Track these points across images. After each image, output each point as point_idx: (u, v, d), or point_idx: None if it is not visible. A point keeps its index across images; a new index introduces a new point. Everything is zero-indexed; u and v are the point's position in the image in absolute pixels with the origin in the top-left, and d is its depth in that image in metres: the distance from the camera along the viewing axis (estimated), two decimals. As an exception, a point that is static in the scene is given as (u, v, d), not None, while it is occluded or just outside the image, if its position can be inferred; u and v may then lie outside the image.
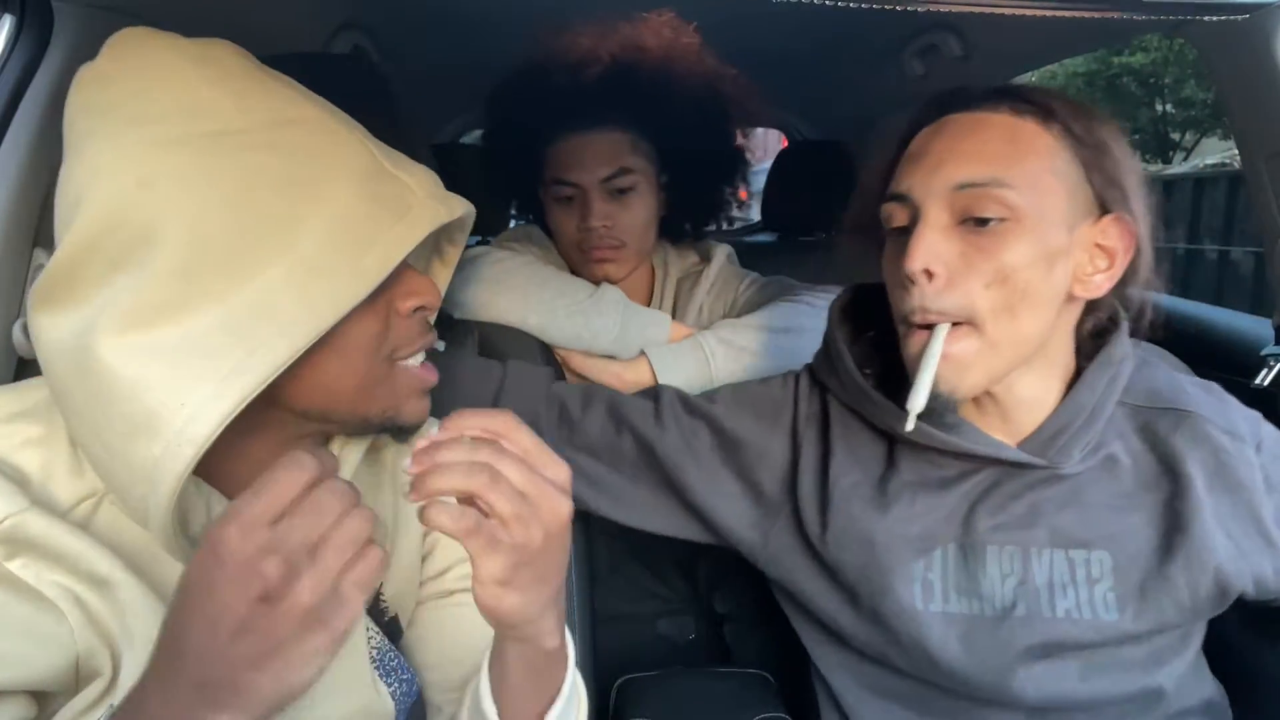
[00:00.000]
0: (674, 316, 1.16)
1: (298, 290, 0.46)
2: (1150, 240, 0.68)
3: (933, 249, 0.64)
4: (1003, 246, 0.63)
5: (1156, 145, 12.46)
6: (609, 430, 0.81)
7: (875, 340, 0.78)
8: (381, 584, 0.65)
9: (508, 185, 1.23)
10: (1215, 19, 0.81)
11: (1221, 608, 0.71)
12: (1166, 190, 7.98)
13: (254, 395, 0.45)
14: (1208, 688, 0.77)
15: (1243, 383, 1.00)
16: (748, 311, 1.10)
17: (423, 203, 0.53)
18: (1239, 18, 0.81)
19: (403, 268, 0.56)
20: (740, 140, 1.22)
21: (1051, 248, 0.64)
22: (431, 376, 0.61)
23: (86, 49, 0.79)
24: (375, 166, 0.53)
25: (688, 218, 1.21)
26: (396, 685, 0.62)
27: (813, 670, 0.83)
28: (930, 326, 0.65)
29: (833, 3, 0.74)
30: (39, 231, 0.76)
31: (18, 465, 0.50)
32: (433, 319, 0.61)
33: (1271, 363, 0.98)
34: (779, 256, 1.65)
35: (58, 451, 0.51)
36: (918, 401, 0.65)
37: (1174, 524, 0.69)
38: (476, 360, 0.87)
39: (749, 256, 1.29)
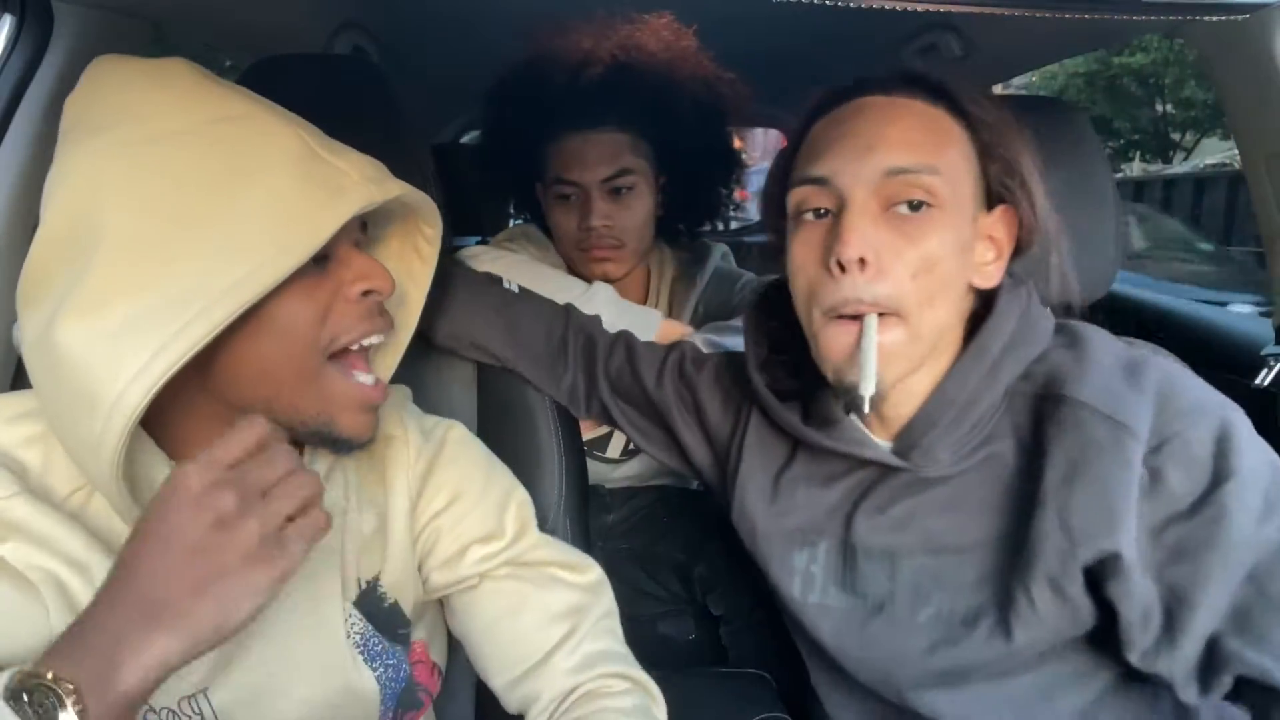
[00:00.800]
0: (668, 316, 1.16)
1: (225, 269, 0.49)
2: (1047, 228, 0.66)
3: (865, 236, 0.61)
4: (926, 235, 0.61)
5: (1156, 145, 12.46)
6: (625, 373, 0.88)
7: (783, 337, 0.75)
8: (379, 572, 0.66)
9: (506, 183, 1.23)
10: (1215, 19, 0.81)
11: (1076, 628, 0.64)
12: (1166, 190, 7.97)
13: (179, 366, 0.47)
14: None
15: (1243, 383, 1.00)
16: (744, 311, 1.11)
17: (356, 185, 0.55)
18: (1239, 18, 0.81)
19: (350, 252, 0.58)
20: (737, 143, 1.22)
21: (964, 237, 0.63)
22: (376, 396, 0.61)
23: (86, 49, 0.79)
24: (309, 154, 0.55)
25: (684, 218, 1.21)
26: (382, 669, 0.64)
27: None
28: (857, 318, 0.62)
29: (833, 2, 0.74)
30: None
31: (19, 459, 0.54)
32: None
33: (1271, 363, 0.98)
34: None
35: (57, 447, 0.54)
36: (869, 386, 0.61)
37: (1019, 524, 0.64)
38: (545, 302, 0.94)
39: (749, 256, 1.29)
